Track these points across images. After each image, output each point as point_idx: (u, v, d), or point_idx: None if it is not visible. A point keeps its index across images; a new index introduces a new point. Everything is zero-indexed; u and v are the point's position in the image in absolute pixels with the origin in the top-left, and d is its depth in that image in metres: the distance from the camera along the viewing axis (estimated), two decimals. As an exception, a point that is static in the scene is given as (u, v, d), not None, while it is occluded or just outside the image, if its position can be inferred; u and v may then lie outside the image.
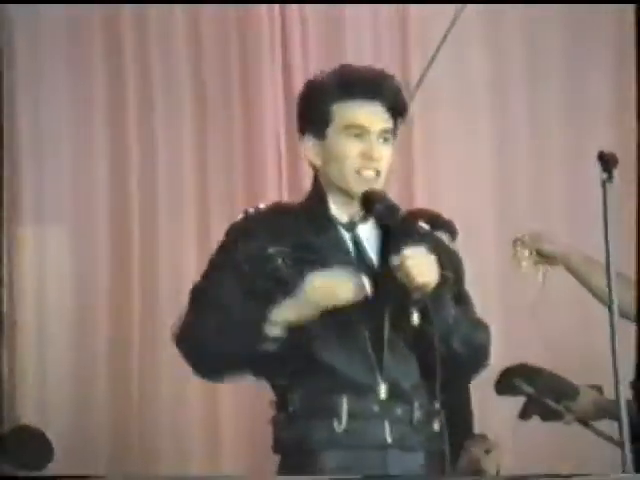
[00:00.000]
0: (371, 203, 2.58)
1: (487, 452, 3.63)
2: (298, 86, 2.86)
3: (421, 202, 4.56)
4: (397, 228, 2.58)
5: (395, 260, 2.47)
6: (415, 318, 2.49)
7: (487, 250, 4.66)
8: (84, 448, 4.44)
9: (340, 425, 2.49)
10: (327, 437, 2.50)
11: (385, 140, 2.60)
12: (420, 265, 2.46)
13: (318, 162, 2.64)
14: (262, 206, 2.69)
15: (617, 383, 2.62)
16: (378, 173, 2.59)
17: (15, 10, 4.72)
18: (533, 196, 4.88)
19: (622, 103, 4.85)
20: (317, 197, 2.65)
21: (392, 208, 2.59)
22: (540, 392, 3.56)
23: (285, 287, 2.50)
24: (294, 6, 4.87)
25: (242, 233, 2.61)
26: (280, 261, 2.55)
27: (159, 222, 4.73)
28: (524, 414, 3.64)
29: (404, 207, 2.75)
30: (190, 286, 2.65)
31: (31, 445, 3.58)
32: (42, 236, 4.76)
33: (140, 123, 4.79)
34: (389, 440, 2.50)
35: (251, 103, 4.84)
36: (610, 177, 2.76)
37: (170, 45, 4.85)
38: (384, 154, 2.60)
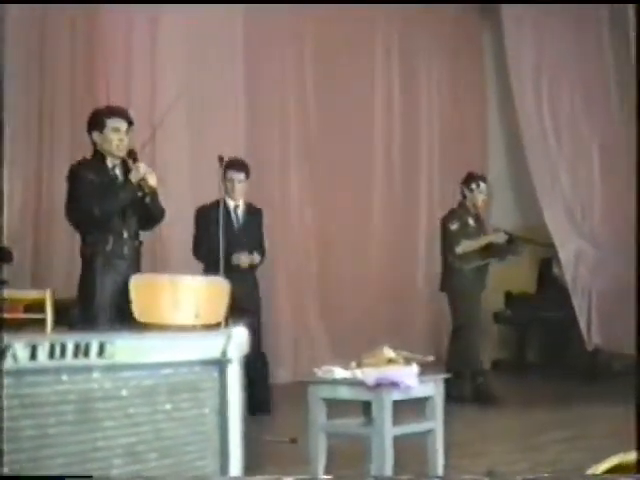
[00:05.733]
0: (131, 154, 5.58)
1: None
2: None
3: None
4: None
5: (137, 175, 5.49)
6: (148, 200, 5.57)
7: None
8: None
9: (108, 245, 5.47)
10: (103, 251, 5.47)
11: (126, 133, 5.58)
12: (151, 176, 5.54)
13: (99, 142, 5.56)
14: (81, 159, 5.68)
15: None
16: (123, 147, 5.55)
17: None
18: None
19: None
20: (101, 157, 5.59)
21: (132, 152, 5.63)
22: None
23: (102, 185, 5.49)
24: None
25: (81, 170, 5.54)
26: (95, 180, 5.50)
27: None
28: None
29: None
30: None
31: (4, 252, 6.87)
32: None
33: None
34: (126, 252, 5.52)
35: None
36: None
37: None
38: (125, 140, 5.57)
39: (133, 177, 5.51)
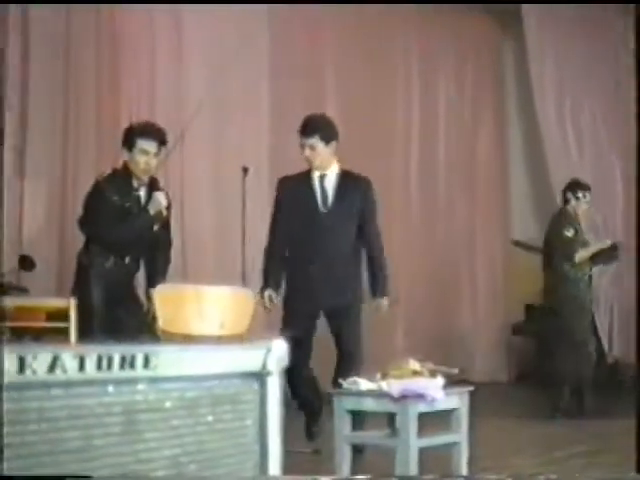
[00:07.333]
0: (154, 183, 5.60)
1: None
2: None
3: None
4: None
5: (155, 206, 5.47)
6: (156, 227, 5.53)
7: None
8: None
9: (108, 263, 5.45)
10: (101, 266, 5.47)
11: (155, 155, 5.48)
12: (160, 200, 5.49)
13: (127, 159, 5.47)
14: (104, 174, 5.56)
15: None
16: (149, 170, 5.47)
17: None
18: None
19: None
20: (129, 173, 5.48)
21: (155, 181, 5.63)
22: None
23: (123, 209, 5.40)
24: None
25: (106, 187, 5.39)
26: (117, 201, 5.36)
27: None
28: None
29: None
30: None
31: (27, 260, 6.27)
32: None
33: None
34: (121, 276, 5.50)
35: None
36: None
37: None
38: (153, 162, 5.48)
39: (152, 208, 5.47)
